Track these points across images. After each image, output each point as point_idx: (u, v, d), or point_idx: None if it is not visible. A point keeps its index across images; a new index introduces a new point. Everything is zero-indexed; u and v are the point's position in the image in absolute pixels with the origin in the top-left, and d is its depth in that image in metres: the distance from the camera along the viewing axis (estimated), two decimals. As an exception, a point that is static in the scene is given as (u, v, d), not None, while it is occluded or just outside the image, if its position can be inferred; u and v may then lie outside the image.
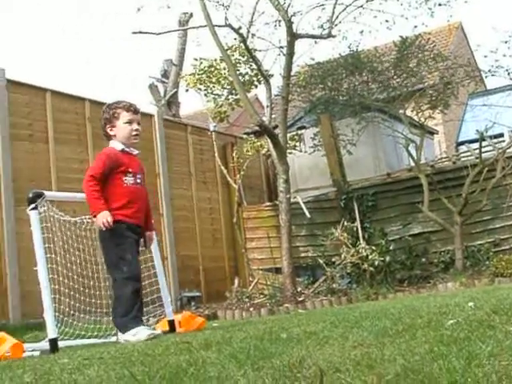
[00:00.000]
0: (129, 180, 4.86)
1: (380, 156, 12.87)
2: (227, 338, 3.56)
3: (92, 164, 4.92)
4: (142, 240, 5.06)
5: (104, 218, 4.60)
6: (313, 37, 11.28)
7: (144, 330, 4.59)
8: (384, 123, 12.47)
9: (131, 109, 5.00)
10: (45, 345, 4.50)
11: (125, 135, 4.94)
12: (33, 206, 4.62)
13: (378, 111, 12.55)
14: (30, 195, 4.67)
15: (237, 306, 8.90)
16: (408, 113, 12.21)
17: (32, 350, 4.51)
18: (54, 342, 4.38)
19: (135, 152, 5.05)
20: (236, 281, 10.21)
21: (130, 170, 4.89)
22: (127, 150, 4.97)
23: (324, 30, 11.31)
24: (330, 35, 11.11)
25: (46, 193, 4.74)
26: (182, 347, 3.24)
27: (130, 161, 4.95)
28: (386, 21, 11.92)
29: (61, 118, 9.38)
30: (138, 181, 4.94)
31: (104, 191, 4.75)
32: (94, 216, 4.66)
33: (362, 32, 12.13)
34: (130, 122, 4.95)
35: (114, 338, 5.00)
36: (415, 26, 12.23)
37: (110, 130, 4.96)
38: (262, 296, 9.67)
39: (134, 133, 4.97)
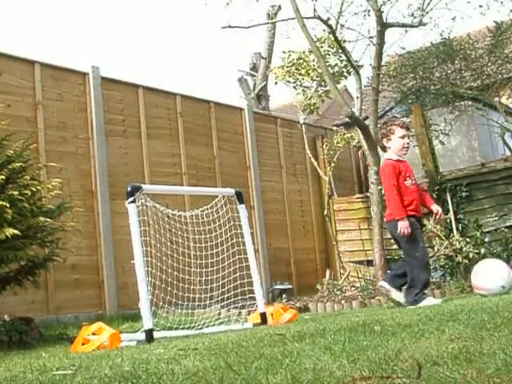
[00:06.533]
0: (409, 182, 5.94)
1: (474, 146, 12.56)
2: (320, 330, 3.55)
3: (383, 175, 6.06)
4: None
5: (405, 226, 5.73)
6: (403, 25, 11.06)
7: (432, 299, 5.89)
8: (478, 112, 12.14)
9: (404, 126, 6.10)
10: (140, 335, 4.60)
11: (398, 147, 6.03)
12: (131, 199, 4.69)
13: (471, 100, 12.23)
14: (129, 188, 4.71)
15: (328, 299, 8.86)
16: (503, 101, 11.84)
17: (129, 340, 4.62)
18: (149, 333, 4.49)
19: (404, 160, 6.12)
20: (327, 273, 10.16)
21: (408, 174, 5.98)
22: (400, 159, 6.04)
23: (415, 18, 11.09)
24: (421, 23, 10.86)
25: (144, 186, 4.80)
26: (276, 339, 3.26)
27: (406, 167, 6.02)
28: (480, 6, 11.56)
29: (153, 114, 9.58)
30: (414, 182, 6.02)
31: None
32: (397, 220, 5.77)
33: (454, 18, 11.81)
34: (402, 137, 6.02)
35: (206, 330, 5.06)
36: (511, 10, 11.82)
37: (386, 142, 6.08)
38: (353, 288, 9.61)
39: (406, 146, 6.07)
